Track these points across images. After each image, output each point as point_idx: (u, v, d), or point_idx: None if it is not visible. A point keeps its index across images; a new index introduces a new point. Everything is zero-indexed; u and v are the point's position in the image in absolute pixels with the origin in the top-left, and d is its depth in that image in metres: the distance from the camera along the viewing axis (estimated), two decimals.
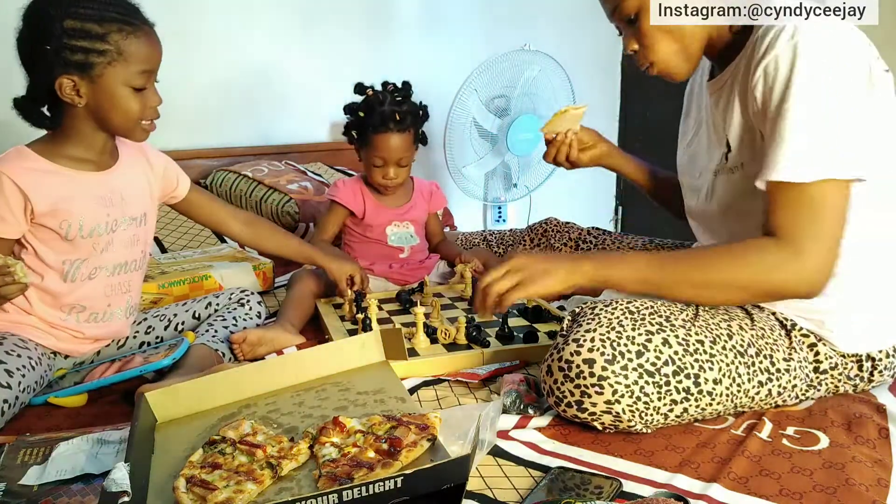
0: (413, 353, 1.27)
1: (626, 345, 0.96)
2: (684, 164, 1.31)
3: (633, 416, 0.95)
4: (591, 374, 0.95)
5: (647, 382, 0.95)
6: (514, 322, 1.42)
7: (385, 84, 1.69)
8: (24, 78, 1.17)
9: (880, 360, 1.09)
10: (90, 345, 1.30)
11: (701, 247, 1.06)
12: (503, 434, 1.00)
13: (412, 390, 1.14)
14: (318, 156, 2.64)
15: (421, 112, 1.70)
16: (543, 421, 1.03)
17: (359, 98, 1.69)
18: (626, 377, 0.95)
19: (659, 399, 0.96)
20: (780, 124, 0.97)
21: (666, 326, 1.00)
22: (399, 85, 1.70)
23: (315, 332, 1.48)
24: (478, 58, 2.43)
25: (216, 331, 1.35)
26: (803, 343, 1.08)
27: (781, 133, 0.97)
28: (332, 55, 2.70)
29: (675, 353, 0.98)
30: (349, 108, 1.70)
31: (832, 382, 1.09)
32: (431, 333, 1.33)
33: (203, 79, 2.44)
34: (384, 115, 1.62)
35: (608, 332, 0.97)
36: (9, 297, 1.08)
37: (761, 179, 0.99)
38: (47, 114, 1.19)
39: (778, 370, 1.03)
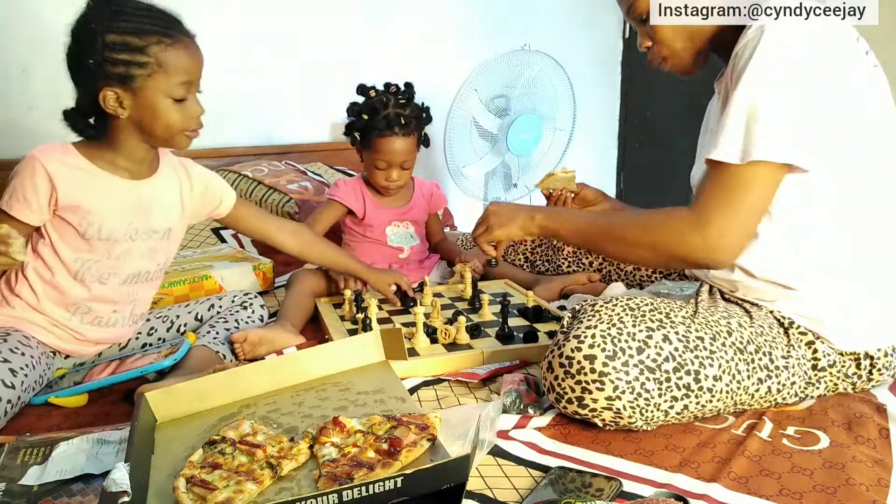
0: (413, 353, 1.27)
1: (626, 341, 0.96)
2: (695, 171, 1.32)
3: (634, 412, 0.96)
4: (592, 371, 0.95)
5: (647, 379, 0.95)
6: (514, 322, 1.42)
7: (387, 85, 1.69)
8: (72, 90, 1.18)
9: (878, 358, 1.09)
10: (91, 347, 1.30)
11: (634, 210, 1.16)
12: (503, 434, 1.00)
13: (412, 390, 1.14)
14: (318, 156, 2.64)
15: (424, 115, 1.70)
16: (543, 421, 1.03)
17: (361, 99, 1.68)
18: (626, 373, 0.95)
19: (660, 395, 0.96)
20: (728, 107, 1.01)
21: (666, 323, 1.00)
22: (401, 86, 1.69)
23: (315, 332, 1.48)
24: (478, 58, 2.43)
25: (217, 332, 1.35)
26: (801, 341, 1.08)
27: (725, 115, 1.01)
28: (331, 55, 2.70)
29: (676, 349, 0.98)
30: (352, 110, 1.69)
31: (831, 380, 1.10)
32: (431, 333, 1.33)
33: (203, 79, 2.44)
34: (389, 119, 1.62)
35: (609, 328, 0.97)
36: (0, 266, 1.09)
37: (705, 158, 1.04)
38: (93, 124, 1.20)
39: (777, 367, 1.03)
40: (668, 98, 3.22)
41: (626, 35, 3.36)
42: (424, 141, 1.73)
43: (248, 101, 2.56)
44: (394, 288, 1.55)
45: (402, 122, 1.62)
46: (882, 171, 1.06)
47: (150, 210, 1.26)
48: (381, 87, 1.69)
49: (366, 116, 1.64)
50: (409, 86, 1.70)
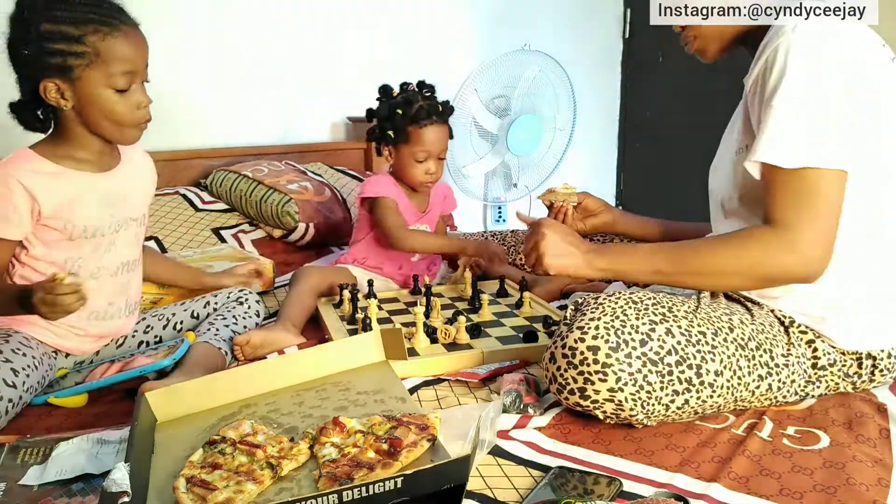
0: (413, 353, 1.27)
1: (629, 333, 0.96)
2: (715, 170, 1.31)
3: (636, 405, 0.96)
4: (595, 361, 0.95)
5: (650, 371, 0.95)
6: (514, 322, 1.42)
7: (404, 84, 1.70)
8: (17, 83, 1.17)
9: (881, 359, 1.09)
10: (91, 342, 1.30)
11: (705, 237, 1.12)
12: (503, 434, 0.99)
13: (412, 390, 1.14)
14: (318, 156, 2.64)
15: (449, 104, 1.72)
16: (543, 420, 1.03)
17: (377, 103, 1.69)
18: (629, 365, 0.95)
19: (661, 389, 0.96)
20: (769, 111, 1.00)
21: (669, 317, 1.00)
22: (415, 84, 1.71)
23: (315, 332, 1.48)
24: (478, 58, 2.43)
25: (217, 329, 1.35)
26: (801, 339, 1.08)
27: (768, 119, 1.01)
28: (331, 55, 2.70)
29: (678, 343, 0.98)
30: (383, 110, 1.67)
31: (832, 380, 1.10)
32: (431, 333, 1.33)
33: (203, 79, 2.45)
34: (429, 108, 1.64)
35: (612, 320, 0.97)
36: (74, 311, 1.05)
37: (748, 161, 1.04)
38: (41, 118, 1.19)
39: (777, 365, 1.04)
40: (668, 98, 3.22)
41: (627, 35, 3.36)
42: (450, 132, 1.75)
43: (248, 102, 2.56)
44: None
45: (441, 109, 1.64)
46: (888, 168, 1.06)
47: (126, 199, 1.27)
48: (397, 89, 1.70)
49: (400, 111, 1.65)
50: (423, 82, 1.72)
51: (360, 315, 1.40)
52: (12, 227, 1.16)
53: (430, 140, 1.64)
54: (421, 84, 1.70)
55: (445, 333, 1.32)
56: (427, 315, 1.41)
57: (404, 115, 1.64)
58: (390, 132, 1.67)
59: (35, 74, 1.12)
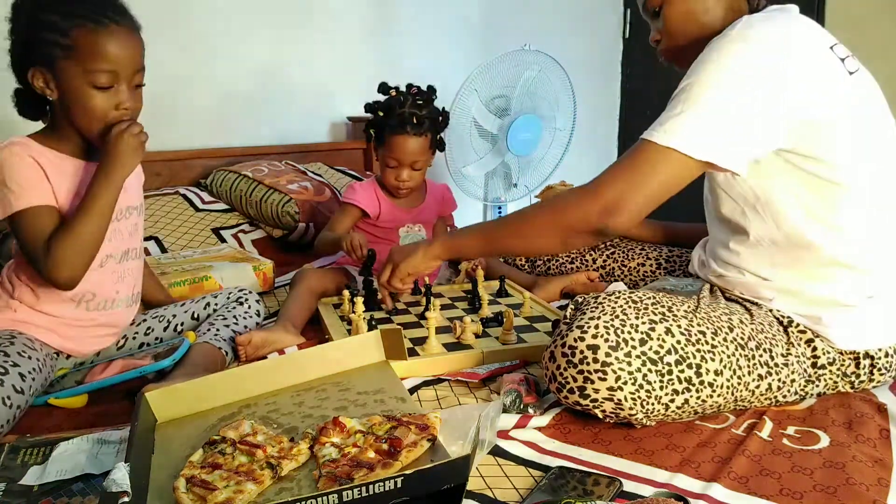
0: (413, 353, 1.27)
1: (629, 332, 0.97)
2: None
3: (635, 404, 0.96)
4: (595, 360, 0.95)
5: (649, 370, 0.95)
6: (514, 322, 1.42)
7: (409, 86, 1.71)
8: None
9: (879, 358, 1.09)
10: (95, 340, 1.30)
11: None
12: (503, 434, 1.00)
13: (412, 390, 1.14)
14: (318, 156, 2.63)
15: (440, 118, 1.71)
16: (543, 420, 1.03)
17: (381, 97, 1.70)
18: (629, 364, 0.95)
19: (661, 388, 0.96)
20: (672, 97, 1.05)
21: (669, 316, 1.00)
22: (423, 88, 1.71)
23: (315, 332, 1.48)
24: (478, 58, 2.43)
25: (218, 329, 1.35)
26: (801, 339, 1.08)
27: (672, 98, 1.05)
28: (332, 55, 2.70)
29: (678, 342, 0.98)
30: (370, 107, 1.70)
31: (831, 379, 1.10)
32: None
33: (203, 79, 2.44)
34: (402, 118, 1.63)
35: (612, 319, 0.97)
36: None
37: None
38: (36, 106, 1.19)
39: (777, 364, 1.04)
40: (668, 98, 3.22)
41: (626, 35, 3.36)
42: (439, 144, 1.75)
43: (249, 102, 2.56)
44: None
45: (415, 121, 1.63)
46: (880, 171, 1.06)
47: (125, 188, 1.23)
48: (403, 88, 1.70)
49: (381, 114, 1.66)
50: (430, 88, 1.72)
51: (355, 315, 1.37)
52: (45, 192, 1.15)
53: (399, 149, 1.65)
54: (419, 90, 1.69)
55: (461, 328, 1.32)
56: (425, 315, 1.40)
57: (381, 119, 1.66)
58: (372, 131, 1.70)
59: (25, 62, 1.13)
